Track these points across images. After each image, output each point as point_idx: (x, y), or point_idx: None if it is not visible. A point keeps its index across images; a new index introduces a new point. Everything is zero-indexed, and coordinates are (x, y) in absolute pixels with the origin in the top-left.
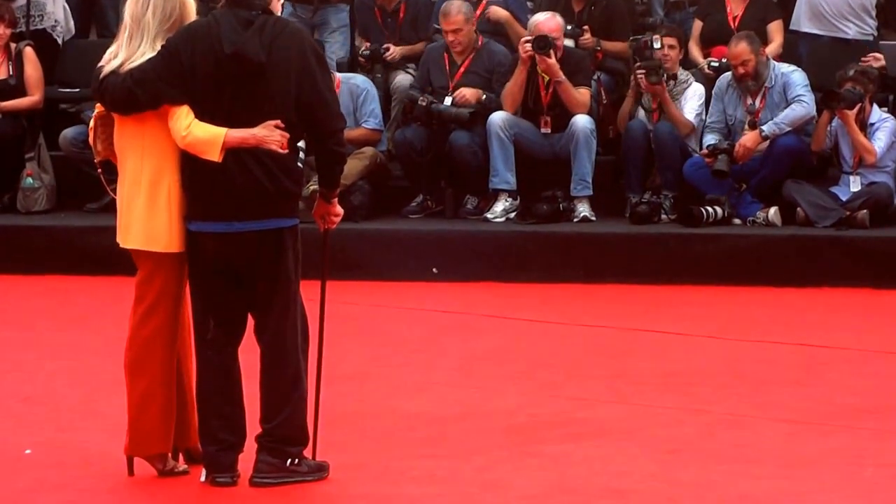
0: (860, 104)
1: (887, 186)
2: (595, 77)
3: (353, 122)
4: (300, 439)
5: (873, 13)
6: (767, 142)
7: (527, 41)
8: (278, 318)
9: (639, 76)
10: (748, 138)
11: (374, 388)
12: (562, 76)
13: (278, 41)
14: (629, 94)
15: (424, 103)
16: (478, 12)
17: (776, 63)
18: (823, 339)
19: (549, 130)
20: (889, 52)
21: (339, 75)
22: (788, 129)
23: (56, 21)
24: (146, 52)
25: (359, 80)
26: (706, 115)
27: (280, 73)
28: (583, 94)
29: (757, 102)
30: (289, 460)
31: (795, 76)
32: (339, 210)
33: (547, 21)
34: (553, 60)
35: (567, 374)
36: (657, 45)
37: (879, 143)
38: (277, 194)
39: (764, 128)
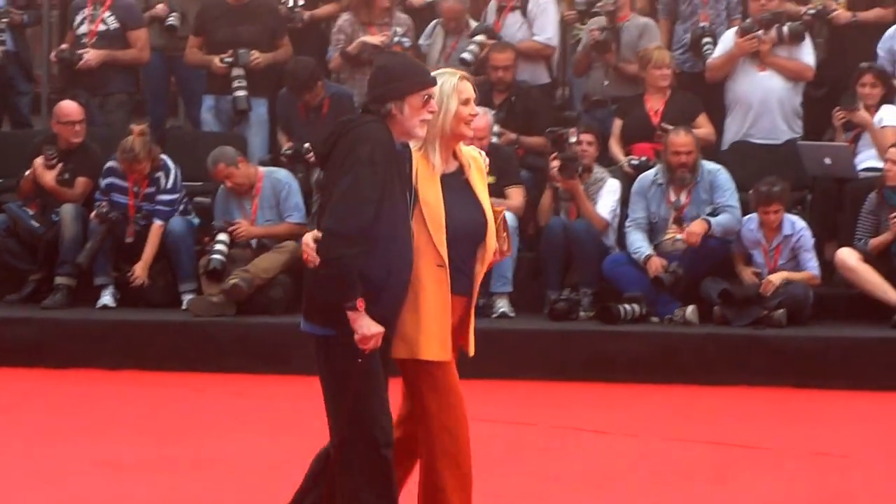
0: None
1: (804, 287)
2: None
3: (277, 217)
4: None
5: (801, 116)
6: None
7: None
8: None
9: (552, 169)
10: (695, 225)
11: (296, 483)
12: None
13: (343, 138)
14: (547, 189)
15: None
16: None
17: (702, 161)
18: (740, 437)
19: None
20: (806, 152)
21: (261, 169)
22: (721, 234)
23: None
24: None
25: (281, 174)
26: (620, 210)
27: (331, 169)
28: (516, 193)
29: (682, 198)
30: None
31: (722, 177)
32: (361, 329)
33: (477, 120)
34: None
35: (487, 471)
36: (573, 138)
37: (812, 264)
38: (306, 300)
39: (712, 220)
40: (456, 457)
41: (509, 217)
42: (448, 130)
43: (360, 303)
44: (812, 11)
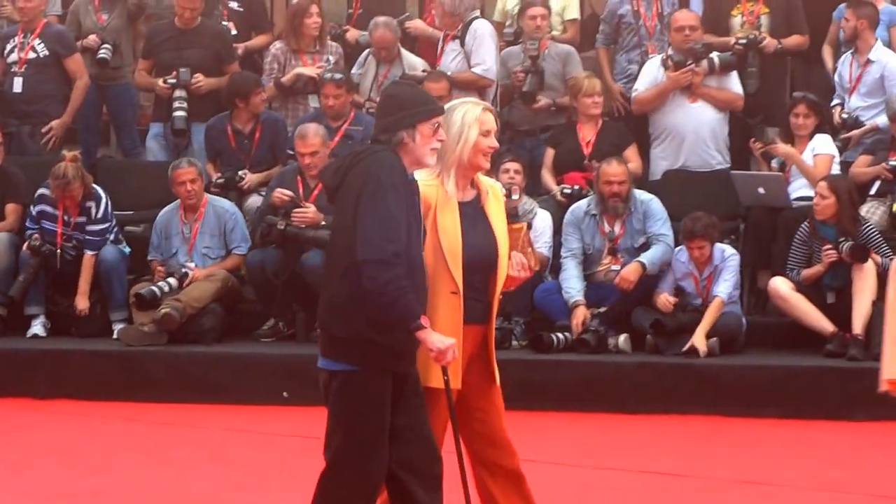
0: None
1: (736, 315)
2: None
3: (218, 246)
4: None
5: (728, 146)
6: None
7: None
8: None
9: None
10: (630, 272)
11: None
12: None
13: (354, 169)
14: None
15: (282, 227)
16: (336, 139)
17: (637, 191)
18: (671, 466)
19: None
20: (739, 182)
21: (206, 195)
22: (655, 272)
23: None
24: None
25: (226, 204)
26: (553, 240)
27: (343, 200)
28: None
29: (616, 229)
30: None
31: (655, 207)
32: (435, 345)
33: None
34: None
35: None
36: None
37: (726, 284)
38: (324, 336)
39: (645, 261)
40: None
41: None
42: (465, 160)
43: (425, 319)
44: (743, 41)
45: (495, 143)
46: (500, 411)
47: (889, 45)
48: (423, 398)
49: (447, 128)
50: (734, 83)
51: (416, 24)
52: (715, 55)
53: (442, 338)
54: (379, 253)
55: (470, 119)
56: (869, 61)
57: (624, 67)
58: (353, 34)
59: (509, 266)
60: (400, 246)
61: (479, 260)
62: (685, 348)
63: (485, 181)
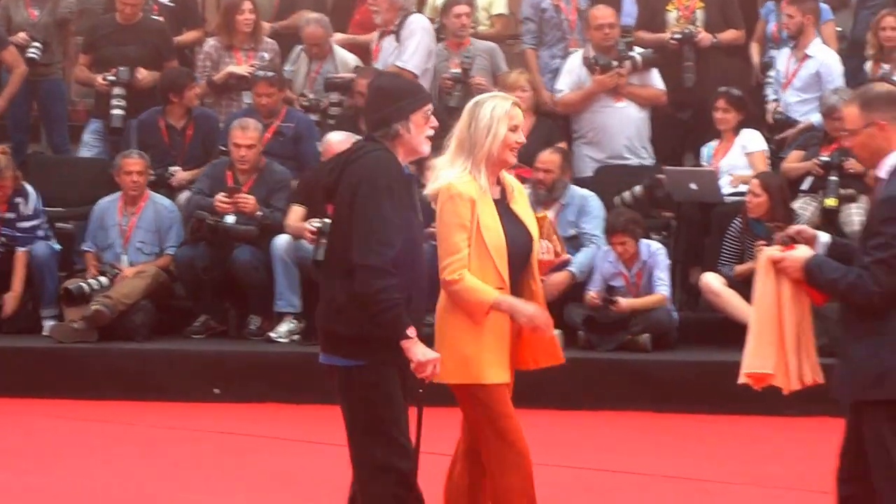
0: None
1: (668, 311)
2: None
3: (154, 242)
4: None
5: (649, 146)
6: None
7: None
8: (350, 459)
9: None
10: (560, 282)
11: None
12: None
13: (350, 168)
14: None
15: (212, 222)
16: (268, 135)
17: (573, 186)
18: (605, 462)
19: None
20: (671, 177)
21: (148, 191)
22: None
23: None
24: None
25: (166, 202)
26: None
27: (340, 201)
28: None
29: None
30: None
31: (593, 204)
32: (417, 356)
33: (340, 144)
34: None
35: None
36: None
37: (662, 285)
38: (324, 333)
39: (574, 270)
40: (523, 469)
41: None
42: (495, 154)
43: (412, 330)
44: (678, 36)
45: (522, 139)
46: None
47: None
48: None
49: (475, 121)
50: (656, 79)
51: (337, 38)
52: (636, 52)
53: (427, 351)
54: (375, 259)
55: (499, 113)
56: (807, 56)
57: (547, 63)
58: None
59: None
60: (394, 251)
61: (518, 255)
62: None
63: (508, 178)
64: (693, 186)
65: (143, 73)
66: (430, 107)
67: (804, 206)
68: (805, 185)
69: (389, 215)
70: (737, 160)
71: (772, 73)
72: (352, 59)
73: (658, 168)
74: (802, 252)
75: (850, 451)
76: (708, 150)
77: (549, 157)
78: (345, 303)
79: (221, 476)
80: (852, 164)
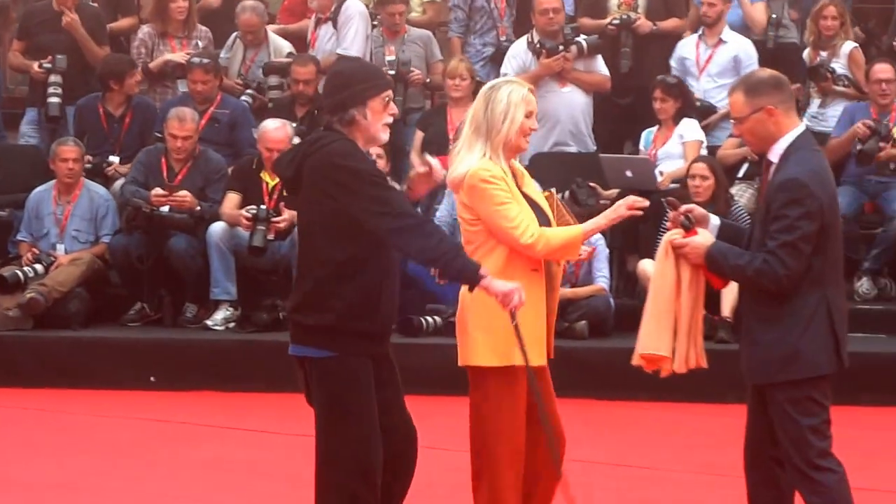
0: None
1: (605, 299)
2: None
3: (89, 231)
4: None
5: (592, 133)
6: None
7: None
8: (316, 448)
9: None
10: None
11: (89, 499)
12: None
13: (309, 159)
14: None
15: (148, 210)
16: (203, 122)
17: None
18: None
19: (272, 237)
20: (608, 165)
21: (83, 179)
22: None
23: None
24: None
25: (102, 191)
26: None
27: (307, 197)
28: None
29: None
30: None
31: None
32: (499, 289)
33: (276, 131)
34: None
35: (288, 484)
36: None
37: (601, 277)
38: (294, 324)
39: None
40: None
41: None
42: (512, 140)
43: (485, 268)
44: (617, 21)
45: (536, 125)
46: (551, 389)
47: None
48: (398, 383)
49: (492, 106)
50: (601, 66)
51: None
52: (583, 38)
53: (505, 282)
54: (404, 220)
55: (516, 99)
56: (721, 41)
57: (479, 50)
58: None
59: None
60: (412, 208)
61: None
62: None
63: (515, 164)
64: (629, 174)
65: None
66: (389, 93)
67: (740, 193)
68: (741, 173)
69: (384, 186)
70: (674, 149)
71: (673, 61)
72: (286, 47)
73: (591, 158)
74: (704, 238)
75: (756, 437)
76: (648, 135)
77: None
78: (318, 293)
79: (156, 464)
80: None
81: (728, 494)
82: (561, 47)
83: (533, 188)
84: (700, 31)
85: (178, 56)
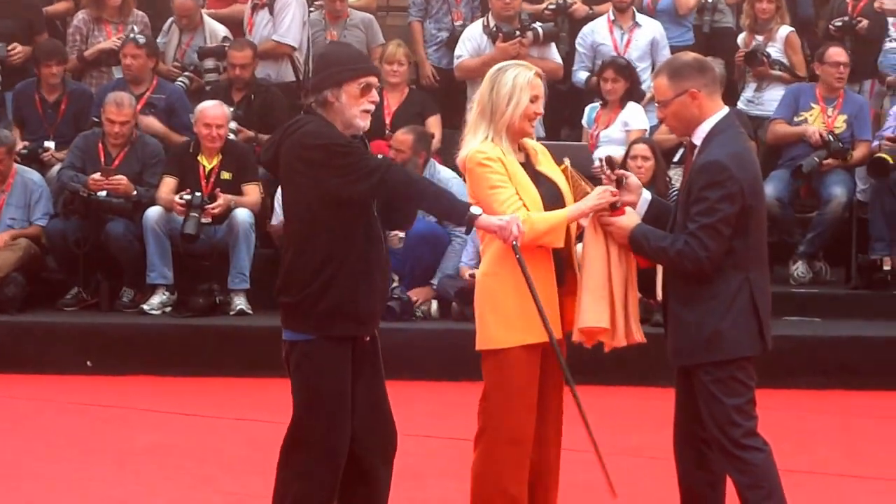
0: None
1: None
2: None
3: (23, 216)
4: None
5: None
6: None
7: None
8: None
9: None
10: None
11: (27, 485)
12: None
13: (287, 140)
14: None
15: (85, 195)
16: (138, 106)
17: (439, 166)
18: (458, 431)
19: (208, 220)
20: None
21: (15, 166)
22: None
23: None
24: None
25: (35, 176)
26: None
27: (287, 178)
28: (253, 189)
29: None
30: None
31: (454, 187)
32: (493, 224)
33: (214, 108)
34: None
35: (224, 468)
36: None
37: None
38: (280, 305)
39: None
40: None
41: (244, 213)
42: (516, 124)
43: (475, 206)
44: (552, 6)
45: (541, 110)
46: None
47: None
48: (380, 368)
49: (497, 88)
50: (554, 53)
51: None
52: (538, 25)
53: (499, 217)
54: (381, 172)
55: (522, 82)
56: (636, 24)
57: (433, 35)
58: None
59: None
60: (385, 160)
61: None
62: None
63: (528, 143)
64: (567, 161)
65: (17, 48)
66: (369, 80)
67: (677, 178)
68: (676, 157)
69: (357, 154)
70: (617, 134)
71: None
72: (222, 31)
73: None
74: (629, 219)
75: (684, 419)
76: (591, 112)
77: (401, 137)
78: (298, 275)
79: (93, 448)
80: None
81: (660, 476)
82: (517, 32)
83: (549, 164)
84: (610, 17)
85: (111, 43)
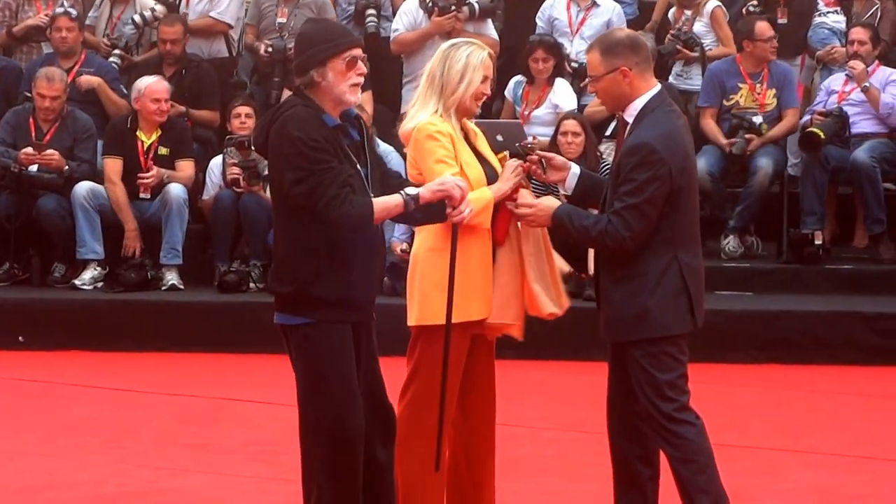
0: None
1: None
2: None
3: None
4: None
5: None
6: None
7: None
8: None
9: (226, 151)
10: None
11: None
12: None
13: (273, 126)
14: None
15: (16, 170)
16: (68, 80)
17: (379, 140)
18: None
19: (148, 195)
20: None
21: None
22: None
23: None
24: None
25: None
26: None
27: (273, 164)
28: (187, 165)
29: None
30: None
31: (393, 160)
32: (432, 192)
33: (157, 83)
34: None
35: (155, 442)
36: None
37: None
38: (273, 291)
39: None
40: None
41: (177, 188)
42: (466, 102)
43: (411, 188)
44: None
45: (489, 91)
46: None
47: None
48: (375, 350)
49: (449, 64)
50: (490, 29)
51: None
52: (475, 1)
53: (436, 182)
54: (337, 211)
55: (475, 62)
56: (595, 4)
57: (345, 9)
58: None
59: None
60: (344, 188)
61: None
62: None
63: (469, 123)
64: (499, 138)
65: None
66: (354, 52)
67: (608, 152)
68: (608, 132)
69: (317, 160)
70: (547, 116)
71: (540, 20)
72: (150, 3)
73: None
74: (550, 202)
75: (617, 394)
76: (516, 87)
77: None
78: (290, 261)
79: (23, 423)
80: None
81: (595, 451)
82: (453, 7)
83: (486, 146)
84: None
85: (37, 20)
